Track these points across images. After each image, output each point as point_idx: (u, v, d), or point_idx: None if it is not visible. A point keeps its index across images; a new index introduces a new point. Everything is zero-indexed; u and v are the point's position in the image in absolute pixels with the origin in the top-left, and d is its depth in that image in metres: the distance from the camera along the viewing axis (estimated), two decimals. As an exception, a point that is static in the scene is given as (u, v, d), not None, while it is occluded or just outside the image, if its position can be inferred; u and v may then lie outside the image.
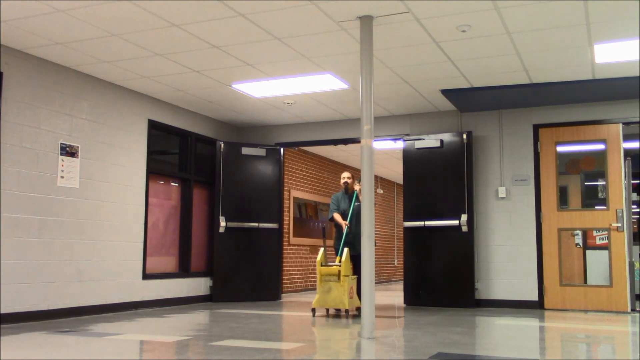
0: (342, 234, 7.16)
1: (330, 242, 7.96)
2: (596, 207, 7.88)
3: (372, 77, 5.28)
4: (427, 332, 5.34)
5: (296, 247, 11.10)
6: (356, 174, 12.87)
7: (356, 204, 7.21)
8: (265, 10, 5.06)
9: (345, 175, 7.55)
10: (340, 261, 6.76)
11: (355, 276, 6.80)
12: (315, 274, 11.83)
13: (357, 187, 7.24)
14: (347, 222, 7.19)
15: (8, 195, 5.86)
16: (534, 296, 7.64)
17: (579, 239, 8.51)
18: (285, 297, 9.76)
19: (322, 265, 6.75)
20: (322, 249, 6.88)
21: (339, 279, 6.61)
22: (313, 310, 6.84)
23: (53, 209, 6.31)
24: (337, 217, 7.36)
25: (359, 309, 6.70)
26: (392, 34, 5.56)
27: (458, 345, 4.65)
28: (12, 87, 5.95)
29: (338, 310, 7.00)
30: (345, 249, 6.79)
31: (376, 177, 14.46)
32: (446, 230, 7.90)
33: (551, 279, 7.60)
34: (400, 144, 8.67)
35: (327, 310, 7.17)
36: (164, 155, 8.56)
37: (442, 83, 7.13)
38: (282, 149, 9.33)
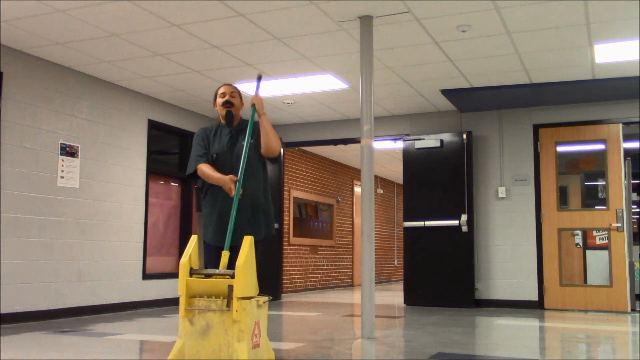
0: (221, 205, 3.62)
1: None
2: (596, 207, 7.87)
3: (372, 77, 5.28)
4: (427, 332, 5.34)
5: (296, 247, 11.10)
6: (356, 173, 12.60)
7: (248, 142, 3.63)
8: (265, 10, 5.06)
9: (227, 91, 3.88)
10: (228, 264, 3.29)
11: (267, 299, 3.36)
12: (316, 274, 11.83)
13: (255, 101, 3.74)
14: (234, 177, 3.53)
15: (8, 195, 5.86)
16: (534, 296, 7.64)
17: (579, 239, 8.51)
18: (285, 297, 9.76)
19: (192, 274, 3.22)
20: (193, 238, 3.31)
21: (228, 304, 3.04)
22: None
23: (53, 209, 6.31)
24: (209, 170, 3.64)
25: None
26: (392, 34, 5.56)
27: (458, 345, 4.65)
28: (12, 87, 5.95)
29: None
30: (248, 239, 3.23)
31: (376, 177, 14.46)
32: (446, 230, 7.90)
33: (551, 279, 7.60)
34: (400, 144, 8.67)
35: None
36: (164, 155, 8.56)
37: (442, 83, 7.12)
38: (282, 149, 9.32)
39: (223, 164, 3.70)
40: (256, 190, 3.73)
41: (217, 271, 3.18)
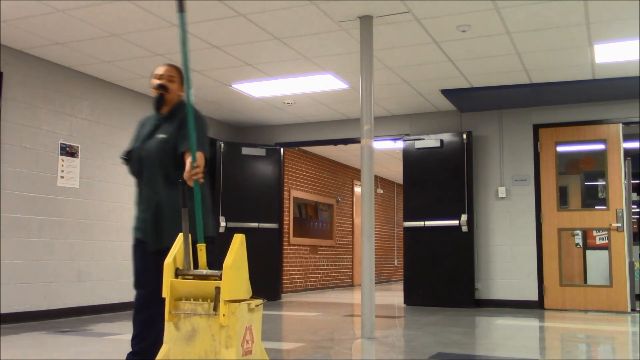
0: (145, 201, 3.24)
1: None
2: (596, 207, 7.87)
3: (372, 77, 5.28)
4: (427, 332, 5.34)
5: (296, 247, 11.10)
6: (356, 173, 12.51)
7: (160, 137, 3.22)
8: (265, 10, 5.06)
9: (165, 73, 3.31)
10: (206, 262, 2.97)
11: (261, 302, 2.96)
12: (316, 274, 11.84)
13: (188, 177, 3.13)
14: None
15: (8, 195, 5.86)
16: (534, 296, 7.64)
17: (579, 239, 8.51)
18: (285, 297, 9.76)
19: (178, 274, 2.89)
20: (179, 237, 2.93)
21: (214, 308, 2.80)
22: None
23: (53, 209, 6.30)
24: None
25: None
26: (392, 34, 5.56)
27: (458, 345, 4.65)
28: (12, 87, 5.95)
29: None
30: (239, 237, 2.84)
31: (376, 177, 14.46)
32: (446, 230, 7.90)
33: (551, 279, 7.60)
34: (400, 144, 8.67)
35: None
36: (164, 155, 8.55)
37: (442, 83, 7.12)
38: (282, 149, 9.33)
39: (132, 163, 3.22)
40: (161, 193, 3.20)
41: (204, 272, 2.90)
